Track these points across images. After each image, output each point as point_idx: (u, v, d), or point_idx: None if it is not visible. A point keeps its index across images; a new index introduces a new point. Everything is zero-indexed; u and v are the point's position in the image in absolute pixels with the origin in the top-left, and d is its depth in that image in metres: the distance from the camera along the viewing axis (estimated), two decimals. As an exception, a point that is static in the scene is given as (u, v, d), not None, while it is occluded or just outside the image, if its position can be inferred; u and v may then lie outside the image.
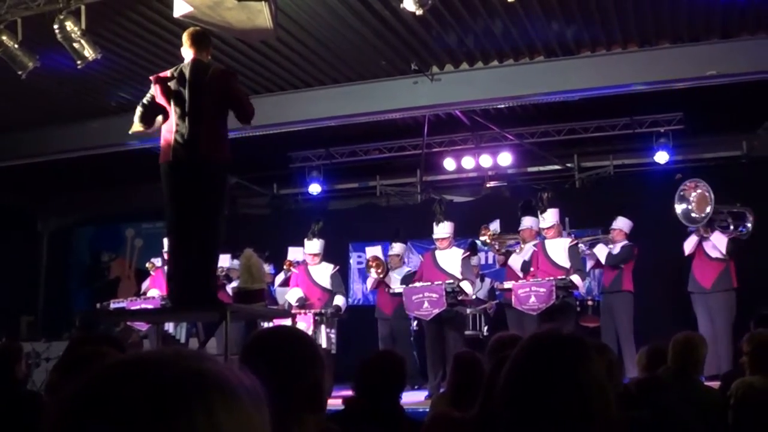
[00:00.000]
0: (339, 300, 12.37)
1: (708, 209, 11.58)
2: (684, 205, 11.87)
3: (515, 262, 12.30)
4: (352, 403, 4.61)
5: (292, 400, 2.56)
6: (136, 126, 7.45)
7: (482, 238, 12.82)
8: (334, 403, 5.49)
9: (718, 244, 11.79)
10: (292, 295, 12.44)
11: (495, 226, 13.07)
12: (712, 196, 11.56)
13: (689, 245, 12.00)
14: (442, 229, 12.12)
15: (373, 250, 13.22)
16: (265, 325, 10.93)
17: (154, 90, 7.33)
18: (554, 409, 2.18)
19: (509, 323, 11.94)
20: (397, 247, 13.48)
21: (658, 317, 12.88)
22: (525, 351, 2.33)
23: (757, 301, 10.90)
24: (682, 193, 11.91)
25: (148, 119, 7.36)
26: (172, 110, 7.13)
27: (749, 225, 11.97)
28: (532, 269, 11.98)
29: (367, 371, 4.60)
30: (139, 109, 7.43)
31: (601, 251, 12.50)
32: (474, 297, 12.79)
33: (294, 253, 13.59)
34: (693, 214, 11.82)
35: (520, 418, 2.23)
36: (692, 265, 12.05)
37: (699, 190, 11.81)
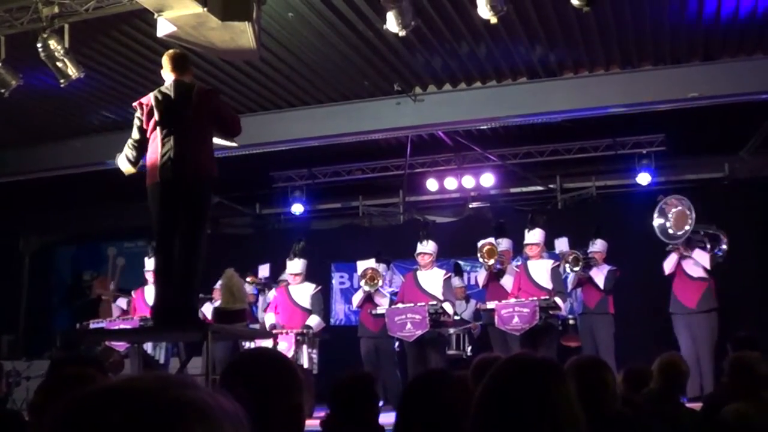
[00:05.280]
0: (313, 320, 12.24)
1: (687, 227, 11.59)
2: (662, 220, 11.87)
3: (508, 282, 12.28)
4: (328, 424, 4.60)
5: (270, 422, 2.55)
6: (129, 169, 7.45)
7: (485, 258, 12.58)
8: (314, 423, 5.47)
9: (701, 260, 11.76)
10: (265, 321, 12.48)
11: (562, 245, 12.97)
12: (693, 214, 11.58)
13: (669, 264, 11.97)
14: (426, 247, 12.13)
15: (366, 263, 13.03)
16: (247, 344, 10.92)
17: (139, 114, 7.31)
18: None
19: (493, 343, 11.92)
20: (379, 268, 13.41)
21: (637, 338, 12.89)
22: (499, 375, 2.33)
23: (737, 323, 10.96)
24: (663, 207, 11.92)
25: (138, 159, 7.34)
26: (157, 132, 7.10)
27: (724, 247, 11.98)
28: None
29: (338, 392, 4.60)
30: (129, 152, 7.39)
31: (598, 276, 12.48)
32: (459, 318, 12.79)
33: (263, 271, 13.65)
34: (669, 231, 11.81)
35: None
36: (673, 285, 12.01)
37: (680, 207, 11.82)
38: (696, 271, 11.83)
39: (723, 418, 4.92)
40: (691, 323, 11.73)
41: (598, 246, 12.69)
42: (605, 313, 12.36)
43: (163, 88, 7.27)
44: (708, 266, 11.72)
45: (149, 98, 7.30)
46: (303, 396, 2.77)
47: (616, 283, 12.52)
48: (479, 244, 12.39)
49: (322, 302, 13.06)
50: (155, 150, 7.09)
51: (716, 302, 11.76)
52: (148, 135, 7.24)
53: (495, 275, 12.44)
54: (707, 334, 11.56)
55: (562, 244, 12.84)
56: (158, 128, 7.11)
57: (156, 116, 7.16)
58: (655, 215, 11.89)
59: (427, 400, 3.69)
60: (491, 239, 12.49)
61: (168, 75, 7.31)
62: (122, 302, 13.39)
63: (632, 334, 12.99)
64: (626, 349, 11.95)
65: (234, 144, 7.79)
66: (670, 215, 11.88)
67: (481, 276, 12.89)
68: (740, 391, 5.50)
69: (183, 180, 6.98)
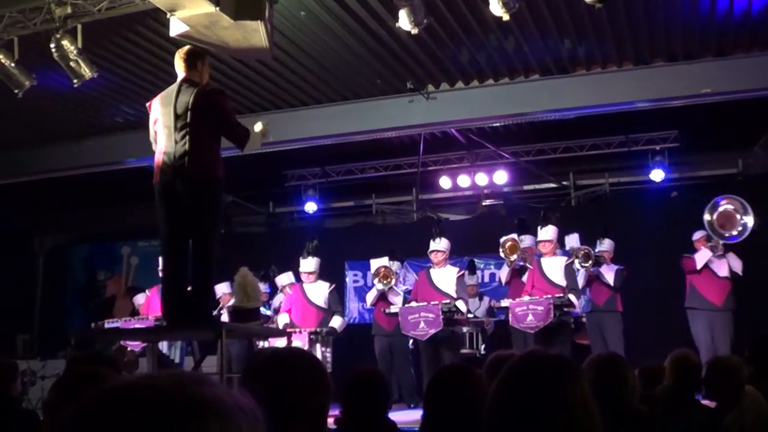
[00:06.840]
0: (336, 321, 12.29)
1: (740, 228, 11.75)
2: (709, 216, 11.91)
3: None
4: (341, 423, 4.61)
5: (296, 421, 2.55)
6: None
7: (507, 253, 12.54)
8: (329, 422, 5.48)
9: (733, 264, 12.02)
10: (279, 321, 12.47)
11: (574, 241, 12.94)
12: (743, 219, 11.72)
13: (703, 259, 12.01)
14: (439, 244, 12.13)
15: (380, 261, 13.01)
16: (261, 344, 10.92)
17: (150, 114, 7.30)
18: (540, 430, 2.18)
19: (513, 340, 11.86)
20: (392, 266, 13.39)
21: (647, 336, 12.86)
22: (513, 372, 2.33)
23: (751, 322, 10.94)
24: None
25: None
26: (162, 131, 7.08)
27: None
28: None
29: (350, 391, 4.60)
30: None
31: (608, 274, 12.47)
32: (472, 315, 12.77)
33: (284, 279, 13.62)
34: (718, 229, 11.91)
35: None
36: (693, 281, 12.08)
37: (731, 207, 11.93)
38: (722, 271, 11.94)
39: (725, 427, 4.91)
40: (713, 320, 11.86)
41: (606, 245, 12.70)
42: (614, 310, 12.38)
43: (170, 87, 7.26)
44: (740, 272, 11.87)
45: (157, 96, 7.29)
46: (329, 397, 2.77)
47: (626, 280, 12.51)
48: (502, 239, 12.39)
49: (340, 301, 13.08)
50: (160, 149, 7.08)
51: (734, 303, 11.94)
52: (155, 134, 7.23)
53: (517, 272, 12.42)
54: (729, 332, 11.70)
55: (572, 240, 12.81)
56: (162, 127, 7.09)
57: (158, 115, 7.15)
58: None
59: (451, 393, 3.71)
60: (514, 235, 12.48)
61: (179, 71, 7.30)
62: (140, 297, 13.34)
63: (642, 331, 12.96)
64: (635, 347, 11.93)
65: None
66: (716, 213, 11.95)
67: (503, 273, 12.85)
68: (718, 392, 5.46)
69: (183, 180, 6.94)
